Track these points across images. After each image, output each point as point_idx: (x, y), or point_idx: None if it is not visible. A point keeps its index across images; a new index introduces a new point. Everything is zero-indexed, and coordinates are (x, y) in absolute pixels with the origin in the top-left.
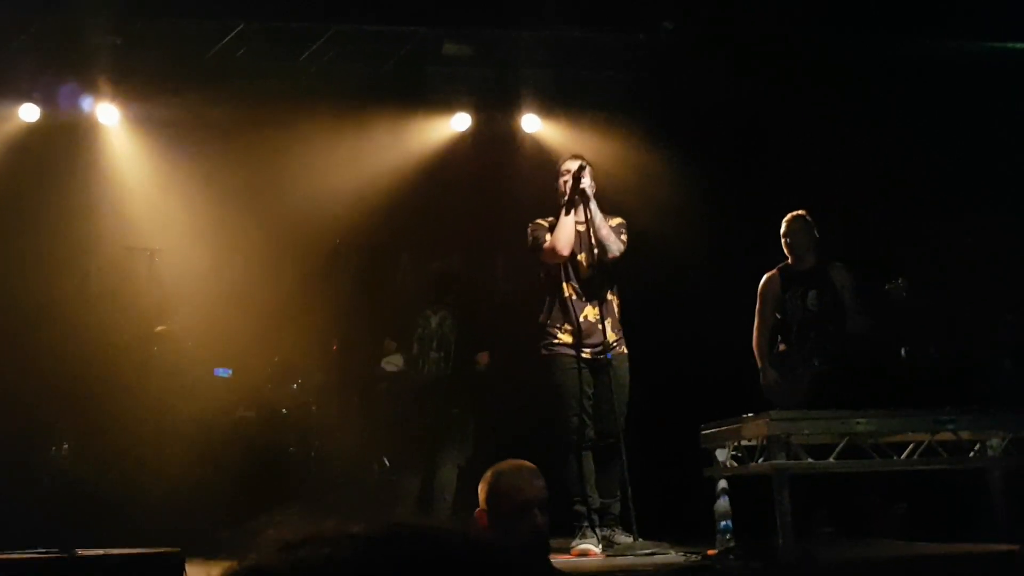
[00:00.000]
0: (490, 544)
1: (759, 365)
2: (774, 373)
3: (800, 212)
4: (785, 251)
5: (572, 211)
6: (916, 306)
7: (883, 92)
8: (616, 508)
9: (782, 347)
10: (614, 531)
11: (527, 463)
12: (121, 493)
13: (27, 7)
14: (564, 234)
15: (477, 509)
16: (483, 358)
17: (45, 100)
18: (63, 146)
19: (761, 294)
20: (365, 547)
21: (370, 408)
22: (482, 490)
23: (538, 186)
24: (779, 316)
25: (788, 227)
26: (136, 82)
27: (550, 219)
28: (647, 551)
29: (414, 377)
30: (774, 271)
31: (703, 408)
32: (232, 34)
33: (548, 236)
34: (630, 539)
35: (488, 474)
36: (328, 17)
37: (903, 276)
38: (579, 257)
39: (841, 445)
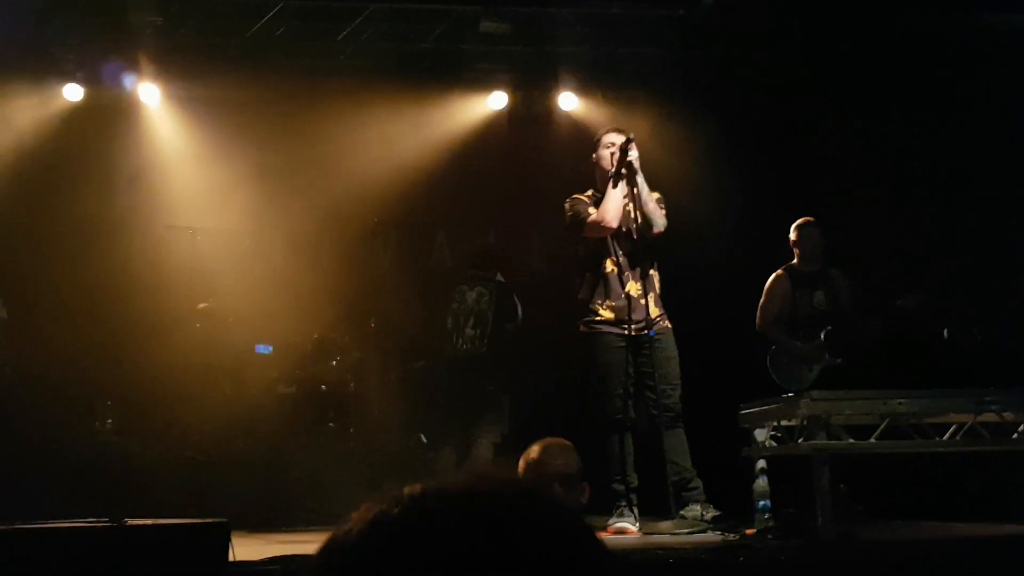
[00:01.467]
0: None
1: (778, 342)
2: (796, 347)
3: (811, 219)
4: (795, 252)
5: (619, 184)
6: (929, 317)
7: (926, 69)
8: (698, 482)
9: (799, 344)
10: (706, 507)
11: (561, 440)
12: (165, 467)
13: None
14: (612, 205)
15: None
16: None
17: (88, 80)
18: (106, 126)
19: (770, 290)
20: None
21: (407, 384)
22: (520, 464)
23: (574, 164)
24: (789, 313)
25: (803, 232)
26: (177, 61)
27: (589, 193)
28: (685, 530)
29: (449, 352)
30: (781, 271)
31: (741, 387)
32: (271, 13)
33: (591, 210)
34: (717, 513)
35: (524, 453)
36: None
37: (917, 291)
38: (622, 231)
39: (883, 426)
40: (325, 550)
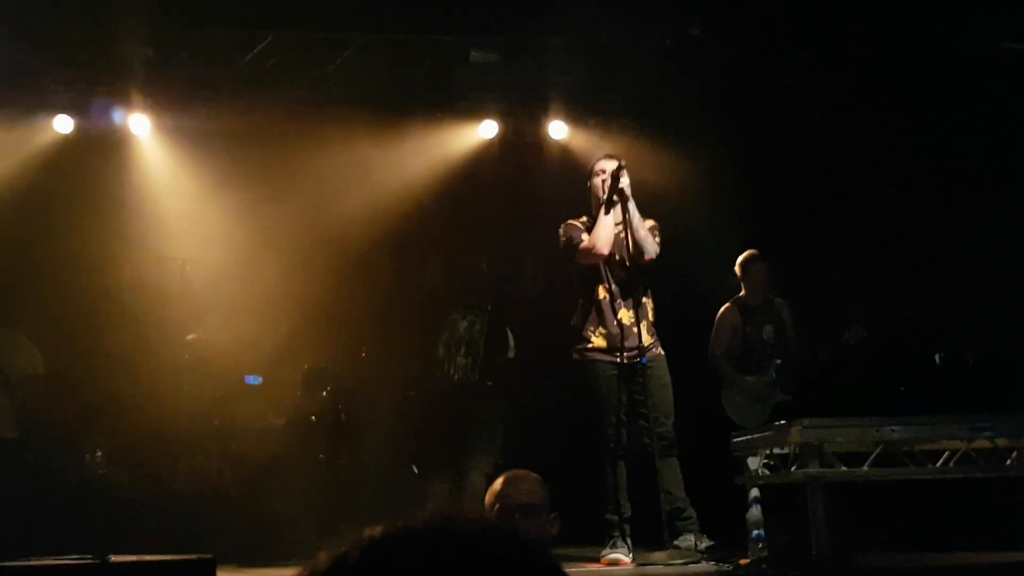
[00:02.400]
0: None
1: (728, 378)
2: (747, 382)
3: (756, 252)
4: (743, 287)
5: (611, 211)
6: (870, 350)
7: (914, 96)
8: (692, 512)
9: (749, 379)
10: (700, 537)
11: (526, 472)
12: (154, 499)
13: (61, 19)
14: (603, 233)
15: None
16: (502, 357)
17: (79, 112)
18: (96, 157)
19: (720, 323)
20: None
21: (399, 414)
22: (486, 497)
23: (564, 191)
24: (739, 346)
25: (748, 267)
26: (168, 93)
27: (583, 219)
28: (679, 560)
29: (441, 381)
30: (730, 304)
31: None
32: (262, 44)
33: (584, 236)
34: (711, 543)
35: (489, 489)
36: (356, 27)
37: (861, 324)
38: (615, 258)
39: (875, 453)
40: None
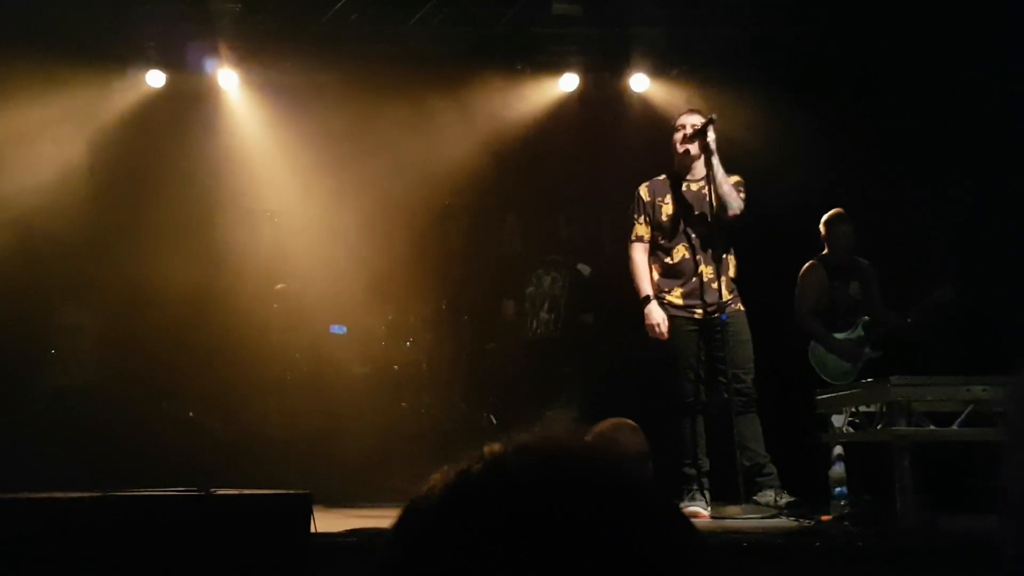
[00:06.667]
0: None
1: (817, 336)
2: (837, 340)
3: (841, 211)
4: (826, 244)
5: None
6: (959, 309)
7: (1009, 49)
8: (772, 468)
9: (839, 336)
10: (780, 493)
11: (627, 420)
12: (247, 442)
13: None
14: (634, 275)
15: None
16: (586, 319)
17: (169, 66)
18: (186, 111)
19: (804, 280)
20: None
21: (478, 366)
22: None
23: (645, 146)
24: (826, 303)
25: (834, 226)
26: (254, 48)
27: (662, 177)
28: (758, 515)
29: (524, 335)
30: (815, 261)
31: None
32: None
33: (637, 227)
34: (792, 499)
35: (590, 432)
36: None
37: (948, 284)
38: (696, 214)
39: (965, 413)
40: (407, 511)
